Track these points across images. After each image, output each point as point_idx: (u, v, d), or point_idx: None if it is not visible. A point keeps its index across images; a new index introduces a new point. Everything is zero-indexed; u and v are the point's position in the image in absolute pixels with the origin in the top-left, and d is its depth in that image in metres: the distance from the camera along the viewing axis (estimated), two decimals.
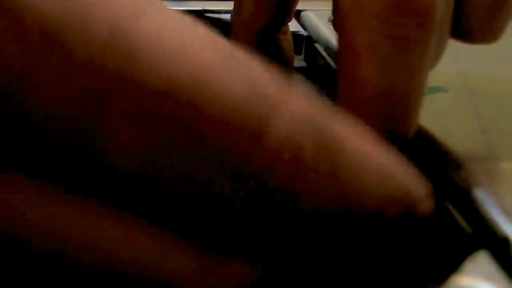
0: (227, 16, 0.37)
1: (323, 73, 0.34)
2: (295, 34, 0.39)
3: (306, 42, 0.38)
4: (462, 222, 0.19)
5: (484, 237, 0.18)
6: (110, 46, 0.12)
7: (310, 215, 0.13)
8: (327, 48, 0.35)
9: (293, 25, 0.40)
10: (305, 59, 0.37)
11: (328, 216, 0.13)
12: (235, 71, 0.13)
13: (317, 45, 0.36)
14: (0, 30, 0.12)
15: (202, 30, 0.13)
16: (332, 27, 0.37)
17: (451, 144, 0.22)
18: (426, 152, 0.22)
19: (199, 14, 0.40)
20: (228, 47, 0.13)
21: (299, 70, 0.37)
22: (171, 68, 0.12)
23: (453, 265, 0.17)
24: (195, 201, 0.13)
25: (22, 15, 0.12)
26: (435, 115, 0.25)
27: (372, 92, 0.20)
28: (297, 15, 0.41)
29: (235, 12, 0.31)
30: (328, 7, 0.40)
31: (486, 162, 0.22)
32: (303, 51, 0.38)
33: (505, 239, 0.17)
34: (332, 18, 0.38)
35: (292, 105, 0.13)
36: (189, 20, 0.13)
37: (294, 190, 0.13)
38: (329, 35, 0.35)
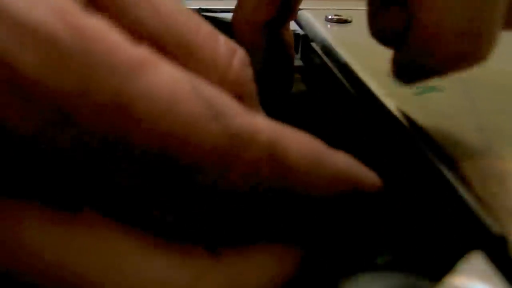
0: (224, 15, 0.37)
1: (320, 72, 0.34)
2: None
3: (302, 41, 0.37)
4: (458, 221, 0.19)
5: (480, 235, 0.18)
6: (114, 112, 0.15)
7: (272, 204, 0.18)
8: (324, 47, 0.35)
9: (290, 24, 0.40)
10: (302, 58, 0.37)
11: (286, 201, 0.18)
12: (214, 112, 0.16)
13: (313, 44, 0.36)
14: (17, 106, 0.14)
15: (183, 74, 0.16)
16: (328, 26, 0.37)
17: (448, 142, 0.22)
18: (421, 150, 0.22)
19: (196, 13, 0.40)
20: (207, 92, 0.16)
21: (296, 69, 0.37)
22: (163, 118, 0.15)
23: (448, 264, 0.17)
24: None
25: (36, 94, 0.14)
26: (432, 114, 0.25)
27: (443, 27, 0.21)
28: None
29: (237, 9, 0.31)
30: (324, 6, 0.41)
31: (482, 160, 0.21)
32: (300, 50, 0.38)
33: (502, 238, 0.17)
34: (329, 17, 0.38)
35: (254, 136, 0.17)
36: (173, 72, 0.16)
37: (252, 186, 0.17)
38: (326, 34, 0.35)
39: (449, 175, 0.20)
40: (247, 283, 0.18)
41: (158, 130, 0.15)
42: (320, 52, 0.35)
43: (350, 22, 0.37)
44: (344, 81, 0.30)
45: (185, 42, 0.19)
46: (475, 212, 0.19)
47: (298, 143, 0.18)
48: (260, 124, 0.17)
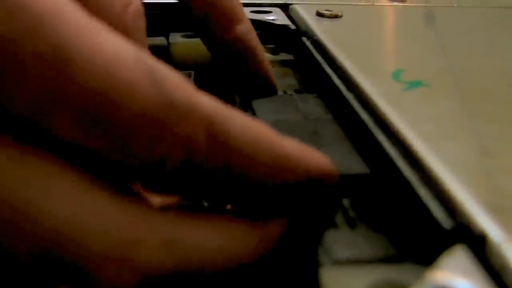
0: None
1: (310, 66, 0.34)
2: (283, 27, 0.39)
3: (293, 35, 0.38)
4: (441, 217, 0.19)
5: (462, 234, 0.18)
6: (52, 62, 0.16)
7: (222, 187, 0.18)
8: (314, 41, 0.35)
9: (282, 19, 0.40)
10: (292, 52, 0.37)
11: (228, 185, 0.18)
12: (154, 81, 0.17)
13: (304, 39, 0.36)
14: None
15: (130, 46, 0.17)
16: (319, 20, 0.37)
17: (433, 137, 0.22)
18: (408, 145, 0.22)
19: None
20: (150, 62, 0.17)
21: (287, 63, 0.37)
22: (99, 78, 0.16)
23: (430, 259, 0.18)
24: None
25: None
26: (419, 109, 0.25)
27: None
28: (286, 8, 0.41)
29: None
30: (316, 1, 0.41)
31: (469, 157, 0.22)
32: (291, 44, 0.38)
33: (481, 237, 0.17)
34: (320, 11, 0.38)
35: (191, 109, 0.17)
36: (118, 39, 0.17)
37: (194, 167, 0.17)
38: (316, 28, 0.35)
39: (433, 171, 0.20)
40: (187, 247, 0.18)
41: (93, 88, 0.16)
42: (310, 46, 0.35)
43: (340, 17, 0.38)
44: (334, 76, 0.30)
45: None
46: (456, 209, 0.19)
47: (242, 124, 0.18)
48: (200, 99, 0.17)
